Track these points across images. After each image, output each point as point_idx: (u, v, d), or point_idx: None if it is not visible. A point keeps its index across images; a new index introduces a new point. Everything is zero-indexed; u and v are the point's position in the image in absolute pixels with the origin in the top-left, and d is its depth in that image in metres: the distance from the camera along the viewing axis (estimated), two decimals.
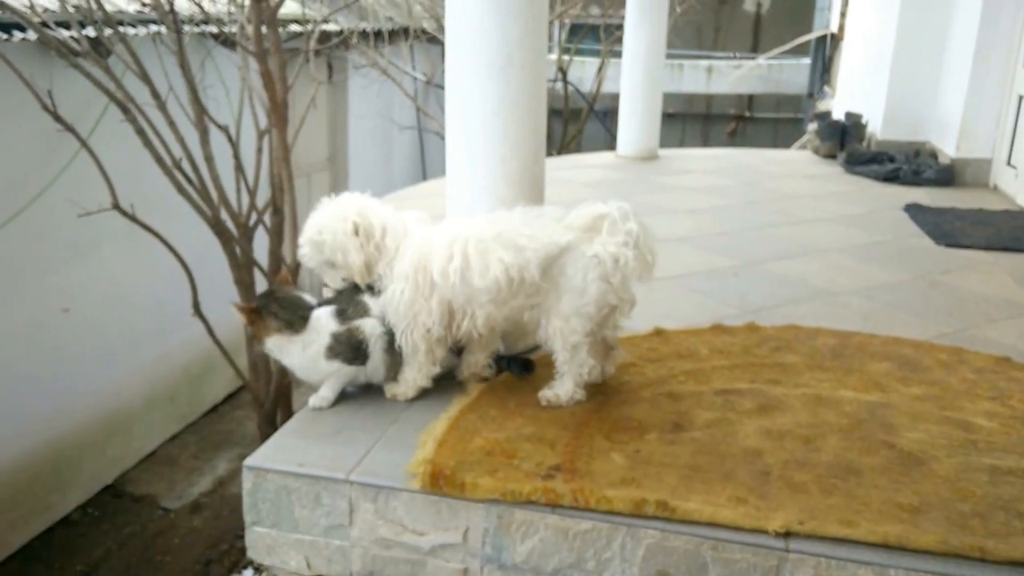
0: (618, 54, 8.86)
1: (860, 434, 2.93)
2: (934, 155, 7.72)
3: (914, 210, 6.32)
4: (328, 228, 3.24)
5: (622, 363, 3.41)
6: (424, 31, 12.03)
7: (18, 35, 6.23)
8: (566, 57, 13.90)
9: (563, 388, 3.15)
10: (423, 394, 3.24)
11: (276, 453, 2.88)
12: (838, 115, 9.12)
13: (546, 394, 3.16)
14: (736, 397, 3.21)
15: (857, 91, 9.37)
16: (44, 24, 6.12)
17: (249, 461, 2.84)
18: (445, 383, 3.33)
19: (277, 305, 3.14)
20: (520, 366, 3.41)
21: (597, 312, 3.07)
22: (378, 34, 11.47)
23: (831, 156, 8.40)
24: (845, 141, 8.32)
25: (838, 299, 4.42)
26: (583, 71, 14.82)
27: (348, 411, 3.14)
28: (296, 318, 3.14)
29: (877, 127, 8.21)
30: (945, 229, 5.79)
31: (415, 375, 3.20)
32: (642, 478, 2.64)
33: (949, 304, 4.40)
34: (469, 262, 2.99)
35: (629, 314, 3.20)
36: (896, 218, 6.16)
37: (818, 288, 4.58)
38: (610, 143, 9.61)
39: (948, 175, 7.26)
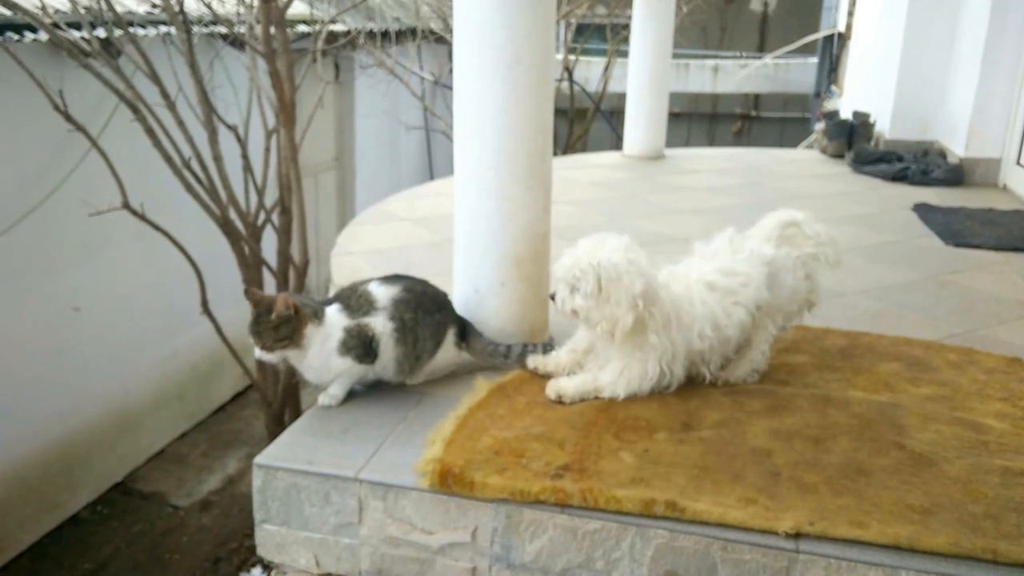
0: (624, 54, 8.86)
1: (870, 435, 2.92)
2: (943, 155, 7.70)
3: (923, 210, 6.31)
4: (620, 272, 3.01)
5: None
6: (431, 31, 12.03)
7: (29, 36, 6.25)
8: (572, 57, 13.90)
9: (737, 373, 3.32)
10: (431, 393, 3.24)
11: (286, 451, 2.88)
12: (846, 114, 9.09)
13: (722, 373, 3.32)
14: (745, 397, 3.20)
15: (865, 90, 9.35)
16: (55, 25, 6.15)
17: (259, 459, 2.84)
18: (453, 382, 3.33)
19: (298, 298, 3.13)
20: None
21: (798, 308, 3.37)
22: (385, 34, 11.47)
23: (839, 156, 8.38)
24: (853, 140, 8.30)
25: (847, 299, 4.41)
26: (589, 71, 14.82)
27: (357, 409, 3.14)
28: (319, 307, 3.14)
29: (885, 126, 8.19)
30: (955, 229, 5.77)
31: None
32: (651, 478, 2.64)
33: (959, 304, 4.39)
34: (717, 320, 3.13)
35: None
36: (905, 218, 6.15)
37: (826, 288, 4.52)
38: (616, 143, 9.60)
39: (957, 175, 7.24)
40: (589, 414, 3.05)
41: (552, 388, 3.17)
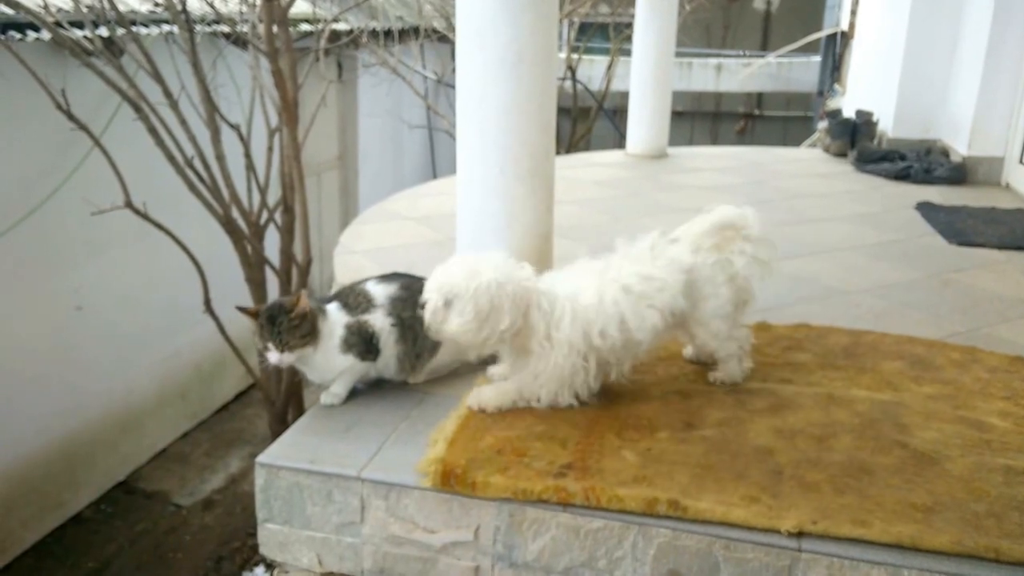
0: (627, 52, 8.85)
1: (873, 433, 2.92)
2: (946, 153, 7.69)
3: (926, 208, 6.30)
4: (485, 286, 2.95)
5: (633, 364, 3.41)
6: (434, 30, 12.03)
7: (32, 35, 6.25)
8: (575, 55, 13.89)
9: (727, 370, 3.33)
10: (433, 392, 3.24)
11: (288, 450, 2.88)
12: (849, 113, 9.09)
13: (715, 375, 3.35)
14: (747, 396, 3.20)
15: (868, 89, 9.34)
16: (58, 24, 6.15)
17: (261, 458, 2.84)
18: (455, 381, 3.33)
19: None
20: None
21: (734, 309, 3.29)
22: (388, 33, 11.48)
23: (842, 154, 8.37)
24: (856, 139, 8.29)
25: (850, 298, 4.40)
26: (592, 69, 14.81)
27: (359, 408, 3.14)
28: (320, 304, 3.13)
29: (888, 125, 8.19)
30: (957, 228, 5.77)
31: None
32: (654, 476, 2.64)
33: (962, 303, 4.38)
34: (625, 319, 3.04)
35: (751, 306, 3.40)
36: (908, 217, 6.14)
37: (830, 287, 4.57)
38: (619, 142, 9.60)
39: (960, 173, 7.23)
40: (591, 413, 3.05)
41: (473, 398, 3.11)
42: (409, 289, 3.26)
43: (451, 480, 2.65)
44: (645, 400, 3.16)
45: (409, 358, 3.23)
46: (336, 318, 3.11)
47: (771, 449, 2.81)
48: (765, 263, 3.33)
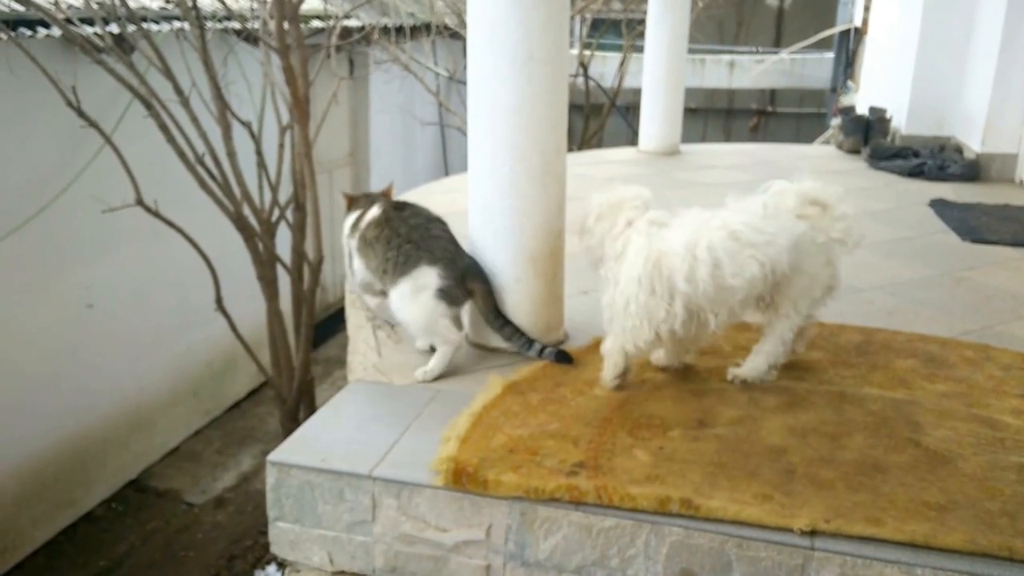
0: (640, 49, 8.82)
1: (886, 432, 2.91)
2: (959, 150, 7.66)
3: (939, 206, 6.28)
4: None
5: (644, 360, 3.41)
6: (446, 26, 12.01)
7: (43, 31, 6.26)
8: (587, 52, 13.86)
9: (752, 366, 3.29)
10: (445, 390, 3.24)
11: (299, 448, 2.88)
12: (862, 110, 9.05)
13: (734, 371, 3.32)
14: (760, 394, 3.19)
15: (881, 85, 9.31)
16: (68, 21, 6.16)
17: (272, 456, 2.84)
18: (465, 378, 3.33)
19: None
20: (560, 356, 3.46)
21: (821, 294, 3.28)
22: (399, 30, 11.47)
23: (855, 151, 8.34)
24: (869, 136, 8.26)
25: (862, 295, 4.38)
26: (605, 66, 14.77)
27: (371, 406, 3.14)
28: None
29: (901, 122, 8.15)
30: (971, 225, 5.74)
31: (611, 372, 3.22)
32: (666, 475, 2.63)
33: (975, 301, 4.36)
34: (721, 265, 3.01)
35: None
36: (921, 214, 6.12)
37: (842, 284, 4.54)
38: (632, 139, 9.57)
39: (974, 170, 7.20)
40: (604, 411, 3.04)
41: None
42: (412, 208, 3.57)
43: (463, 478, 2.64)
44: (658, 399, 3.15)
45: (382, 264, 3.43)
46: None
47: (784, 447, 2.80)
48: (848, 247, 3.28)
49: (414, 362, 3.50)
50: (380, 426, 2.99)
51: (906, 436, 2.88)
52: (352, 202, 3.68)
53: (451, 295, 3.35)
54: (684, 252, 3.01)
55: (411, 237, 3.40)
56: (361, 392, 3.29)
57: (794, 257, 3.12)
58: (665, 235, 3.10)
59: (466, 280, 3.40)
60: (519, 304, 3.52)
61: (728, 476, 2.64)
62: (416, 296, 3.33)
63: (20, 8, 6.09)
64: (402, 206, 3.56)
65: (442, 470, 2.67)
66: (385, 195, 3.68)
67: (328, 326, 10.36)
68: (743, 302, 3.13)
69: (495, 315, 3.45)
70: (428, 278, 3.33)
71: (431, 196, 6.26)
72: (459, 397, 3.16)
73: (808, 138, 13.23)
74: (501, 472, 2.64)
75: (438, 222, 3.53)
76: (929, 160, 7.42)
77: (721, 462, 2.71)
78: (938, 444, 2.83)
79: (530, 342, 3.45)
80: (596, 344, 3.62)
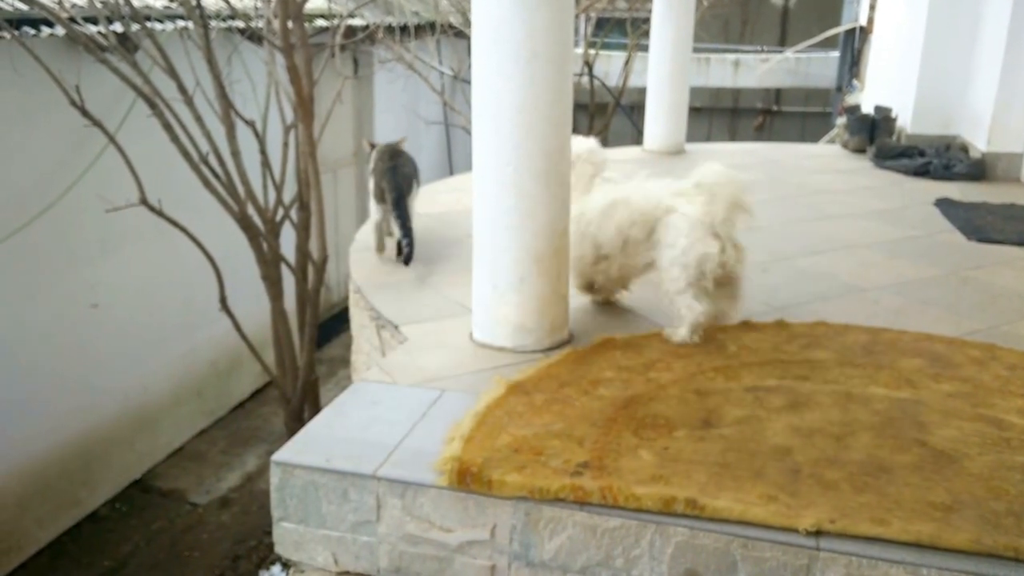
0: (645, 48, 8.82)
1: (891, 432, 2.90)
2: (965, 149, 7.64)
3: (945, 205, 6.26)
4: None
5: (649, 360, 3.41)
6: (451, 25, 12.01)
7: (46, 31, 6.26)
8: (592, 51, 13.85)
9: (679, 330, 3.66)
10: (450, 390, 3.23)
11: (304, 448, 2.87)
12: (867, 109, 9.04)
13: (667, 330, 3.71)
14: (765, 394, 3.18)
15: (886, 85, 9.29)
16: (72, 20, 6.15)
17: (277, 456, 2.83)
18: (469, 379, 3.32)
19: None
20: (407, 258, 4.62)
21: (695, 263, 3.56)
22: (404, 29, 11.46)
23: (860, 150, 8.33)
24: (875, 135, 8.25)
25: (868, 295, 4.38)
26: (609, 65, 14.76)
27: (375, 407, 3.13)
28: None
29: (907, 121, 8.14)
30: (976, 224, 5.73)
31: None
32: (671, 475, 2.62)
33: (981, 300, 4.35)
34: (600, 223, 3.81)
35: (739, 260, 3.70)
36: (927, 213, 6.10)
37: (848, 284, 4.54)
38: (637, 138, 9.57)
39: (979, 169, 7.18)
40: (608, 411, 3.03)
41: None
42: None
43: (467, 479, 2.63)
44: (662, 398, 3.14)
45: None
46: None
47: (789, 448, 2.79)
48: (735, 213, 3.70)
49: (418, 362, 3.50)
50: (384, 426, 2.99)
51: (912, 436, 2.87)
52: (373, 146, 5.14)
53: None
54: (597, 209, 3.81)
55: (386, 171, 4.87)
56: (365, 392, 3.28)
57: (654, 230, 3.70)
58: (598, 195, 3.91)
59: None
60: (523, 303, 3.52)
61: (733, 476, 2.63)
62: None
63: (24, 7, 6.08)
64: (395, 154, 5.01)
65: (446, 470, 2.67)
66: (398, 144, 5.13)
67: (332, 326, 10.36)
68: (620, 259, 3.81)
69: (400, 212, 4.76)
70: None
71: (436, 195, 6.28)
72: (463, 398, 3.16)
73: (813, 137, 13.22)
74: (505, 472, 2.64)
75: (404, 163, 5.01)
76: (935, 159, 7.41)
77: (726, 462, 2.70)
78: (944, 444, 2.82)
79: (407, 234, 4.72)
80: (602, 344, 3.63)
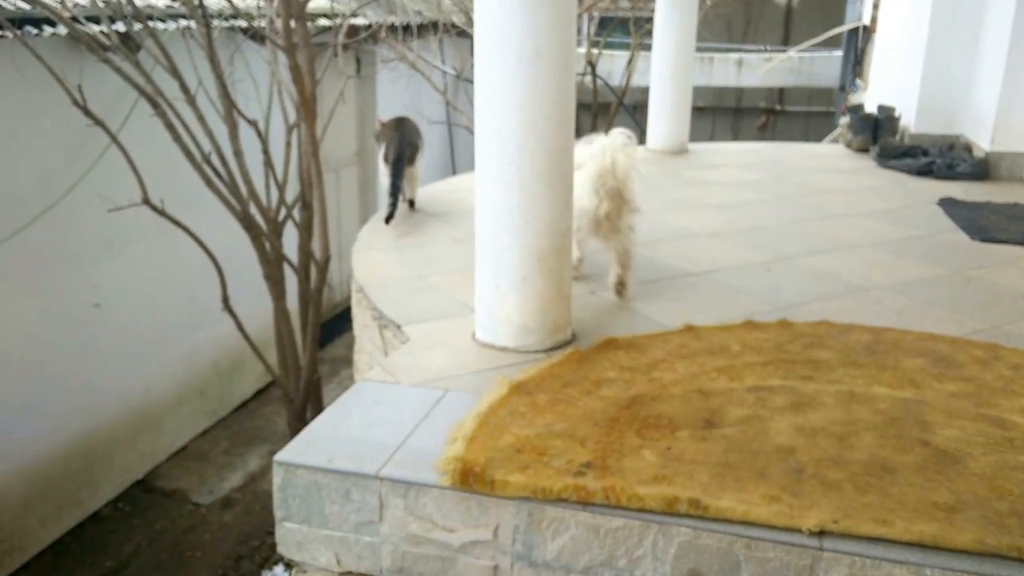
0: (648, 47, 8.81)
1: (895, 431, 2.89)
2: (968, 149, 7.63)
3: (948, 204, 6.25)
4: None
5: (652, 360, 3.41)
6: (454, 25, 12.01)
7: (48, 30, 6.26)
8: (595, 50, 13.85)
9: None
10: (452, 390, 3.23)
11: (306, 448, 2.87)
12: (870, 108, 9.03)
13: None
14: (768, 394, 3.17)
15: (890, 84, 9.28)
16: (74, 19, 6.15)
17: (279, 456, 2.82)
18: (471, 379, 3.32)
19: None
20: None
21: (576, 215, 3.77)
22: (407, 28, 11.47)
23: (864, 150, 8.32)
24: (878, 135, 8.24)
25: (871, 295, 4.37)
26: (612, 64, 14.76)
27: (377, 407, 3.13)
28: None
29: (910, 120, 8.13)
30: (980, 224, 5.72)
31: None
32: (674, 476, 2.62)
33: (984, 300, 4.34)
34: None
35: (619, 216, 4.08)
36: (930, 212, 6.09)
37: (851, 283, 4.53)
38: (640, 137, 9.53)
39: (983, 169, 7.17)
40: (611, 411, 3.02)
41: None
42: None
43: (470, 479, 2.63)
44: (665, 398, 3.13)
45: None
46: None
47: (792, 447, 2.78)
48: (613, 177, 4.01)
49: (421, 362, 3.49)
50: (387, 426, 2.98)
51: (915, 436, 2.86)
52: (383, 124, 5.91)
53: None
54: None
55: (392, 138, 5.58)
56: (368, 392, 3.27)
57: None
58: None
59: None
60: (526, 303, 3.51)
61: (736, 476, 2.62)
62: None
63: (26, 6, 6.08)
64: (401, 122, 5.82)
65: (449, 470, 2.66)
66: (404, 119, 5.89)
67: (335, 325, 10.37)
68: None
69: (394, 171, 5.48)
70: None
71: (438, 195, 6.28)
72: (466, 398, 3.15)
73: (817, 136, 13.21)
74: (508, 472, 2.63)
75: (409, 131, 5.77)
76: (938, 159, 7.39)
77: (729, 462, 2.70)
78: (947, 444, 2.81)
79: (394, 194, 5.41)
80: (604, 344, 3.62)
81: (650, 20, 9.28)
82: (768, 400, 3.12)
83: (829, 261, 4.90)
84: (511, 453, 2.74)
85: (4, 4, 6.01)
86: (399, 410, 3.10)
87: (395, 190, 5.44)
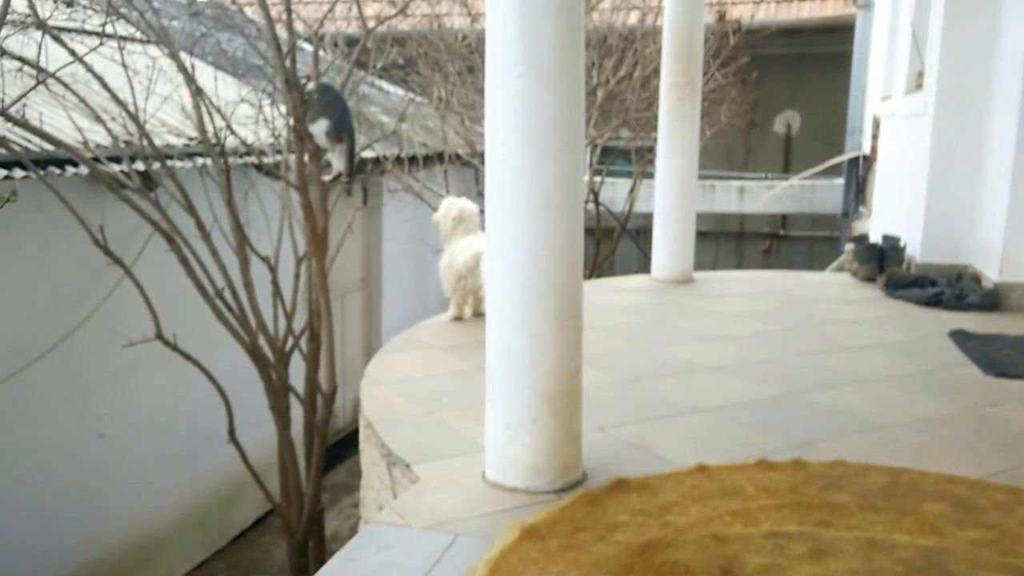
0: (650, 175, 8.91)
1: None
2: (977, 279, 7.61)
3: (960, 337, 6.21)
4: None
5: (665, 502, 3.36)
6: (458, 156, 12.19)
7: (71, 170, 6.31)
8: (598, 179, 14.01)
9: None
10: (462, 534, 3.17)
11: None
12: (875, 237, 9.07)
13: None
14: (786, 540, 3.10)
15: (893, 213, 9.33)
16: (95, 159, 6.24)
17: None
18: (482, 521, 3.27)
19: None
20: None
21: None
22: (412, 159, 11.63)
23: (870, 279, 8.32)
24: (884, 264, 8.25)
25: (886, 433, 4.31)
26: (615, 191, 14.91)
27: (387, 552, 3.07)
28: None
29: (916, 250, 8.14)
30: (993, 357, 5.67)
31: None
32: None
33: (1002, 439, 4.27)
34: (463, 260, 6.16)
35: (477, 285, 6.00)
36: (941, 345, 6.05)
37: (865, 420, 4.48)
38: (643, 263, 9.59)
39: (993, 299, 7.14)
40: (624, 558, 2.96)
41: None
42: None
43: None
44: (679, 544, 3.07)
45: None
46: None
47: None
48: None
49: (430, 503, 3.45)
50: (398, 572, 2.93)
51: None
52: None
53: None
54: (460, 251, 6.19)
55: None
56: (378, 536, 3.22)
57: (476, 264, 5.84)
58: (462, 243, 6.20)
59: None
60: (536, 444, 3.48)
61: None
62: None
63: (50, 147, 6.13)
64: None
65: None
66: None
67: (336, 451, 10.26)
68: (471, 280, 6.14)
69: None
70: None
71: (446, 327, 6.28)
72: (477, 543, 3.10)
73: (821, 261, 13.28)
74: None
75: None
76: (947, 289, 7.38)
77: None
78: None
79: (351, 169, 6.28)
80: (615, 484, 3.57)
81: (651, 149, 9.41)
82: (786, 548, 3.05)
83: (840, 396, 4.85)
84: None
85: (30, 147, 6.07)
86: (410, 556, 3.05)
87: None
